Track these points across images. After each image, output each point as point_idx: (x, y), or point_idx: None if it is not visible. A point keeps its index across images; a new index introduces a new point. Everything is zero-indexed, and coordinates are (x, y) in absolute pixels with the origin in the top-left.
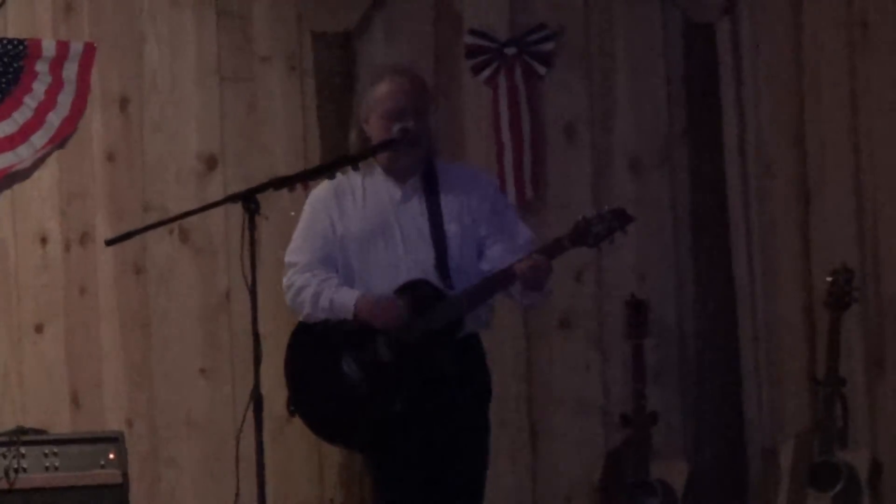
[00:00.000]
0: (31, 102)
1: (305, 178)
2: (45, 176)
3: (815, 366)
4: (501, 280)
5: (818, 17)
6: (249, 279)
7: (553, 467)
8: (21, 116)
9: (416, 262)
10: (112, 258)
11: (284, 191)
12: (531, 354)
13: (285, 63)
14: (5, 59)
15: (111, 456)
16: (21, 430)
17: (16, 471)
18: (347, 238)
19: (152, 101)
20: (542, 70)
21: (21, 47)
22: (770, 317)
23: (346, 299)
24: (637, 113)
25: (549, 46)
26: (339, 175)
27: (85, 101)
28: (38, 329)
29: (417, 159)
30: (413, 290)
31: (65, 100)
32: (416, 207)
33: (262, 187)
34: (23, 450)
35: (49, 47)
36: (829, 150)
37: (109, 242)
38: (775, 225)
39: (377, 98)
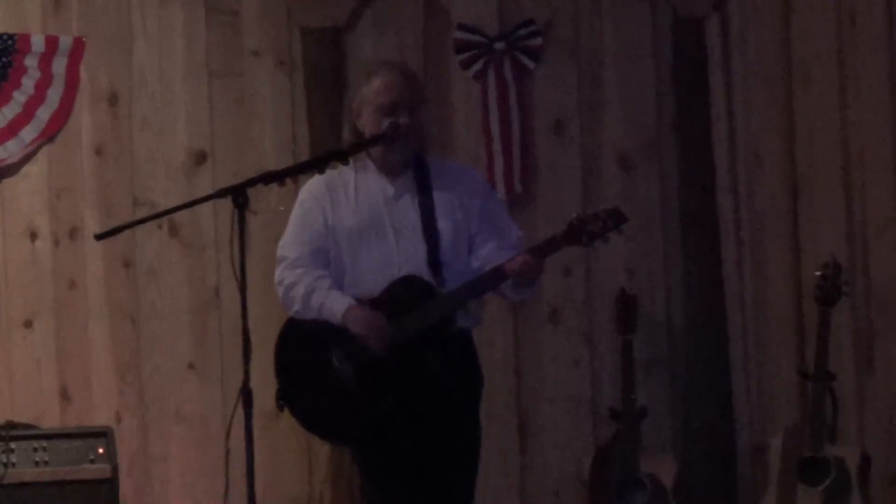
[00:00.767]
0: (20, 97)
1: (295, 172)
2: (34, 171)
3: (804, 360)
4: (492, 279)
5: (807, 12)
6: (239, 274)
7: (542, 462)
8: (10, 111)
9: (407, 257)
10: (101, 253)
11: (274, 186)
12: (520, 349)
13: (274, 58)
14: None
15: (100, 451)
16: (10, 425)
17: (5, 465)
18: (339, 232)
19: (141, 97)
20: (531, 65)
21: (10, 42)
22: (759, 311)
23: (335, 307)
24: (626, 108)
25: (537, 41)
26: (331, 170)
27: (74, 96)
28: (27, 324)
29: (409, 155)
30: (405, 287)
31: (54, 95)
32: (409, 203)
33: (252, 182)
34: (12, 445)
35: (38, 42)
36: (818, 144)
37: (99, 237)
38: (764, 219)
39: (369, 93)
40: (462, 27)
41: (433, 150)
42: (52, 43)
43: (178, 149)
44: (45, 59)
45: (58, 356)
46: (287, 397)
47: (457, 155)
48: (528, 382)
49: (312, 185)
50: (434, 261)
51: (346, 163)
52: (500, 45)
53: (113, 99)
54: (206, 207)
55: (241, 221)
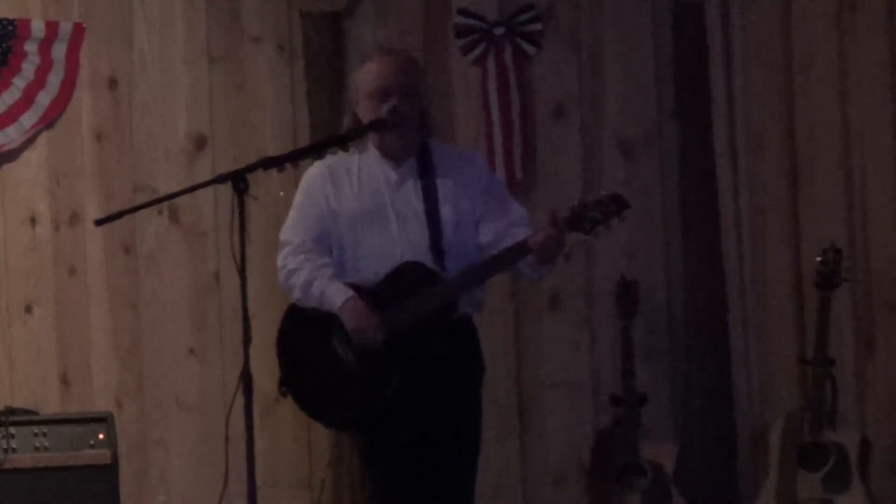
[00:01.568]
0: (19, 83)
1: (295, 158)
2: (34, 157)
3: (804, 346)
4: (516, 253)
5: None
6: (239, 260)
7: (542, 448)
8: (10, 97)
9: (410, 243)
10: (101, 239)
11: (274, 171)
12: (520, 335)
13: (274, 44)
14: None
15: (101, 436)
16: (10, 411)
17: (5, 451)
18: (341, 217)
19: (141, 82)
20: (531, 50)
21: (10, 28)
22: (759, 297)
23: (334, 298)
24: (626, 93)
25: (537, 27)
26: (332, 155)
27: (74, 81)
28: (28, 310)
29: (410, 140)
30: (407, 272)
31: (54, 80)
32: (412, 189)
33: (252, 167)
34: (12, 430)
35: (38, 28)
36: (818, 130)
37: (99, 223)
38: (764, 205)
39: (364, 78)
40: (462, 12)
41: (435, 136)
42: (52, 28)
43: (179, 134)
44: (45, 45)
45: (58, 342)
46: (289, 384)
47: (457, 140)
48: (528, 368)
49: (315, 170)
50: (437, 247)
51: (345, 149)
52: (500, 31)
53: (113, 84)
54: (206, 193)
55: (241, 207)
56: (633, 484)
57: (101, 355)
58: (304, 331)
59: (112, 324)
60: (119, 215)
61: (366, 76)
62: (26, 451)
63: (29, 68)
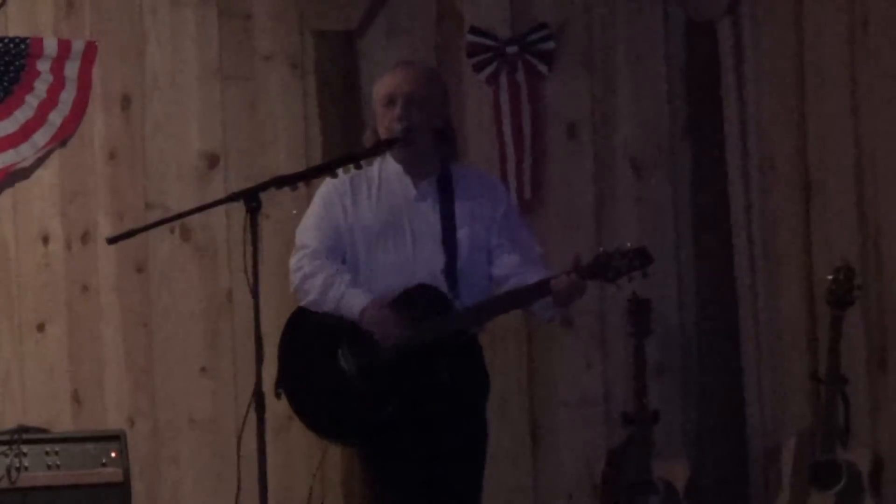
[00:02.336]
0: (32, 101)
1: (307, 176)
2: (47, 175)
3: (816, 364)
4: (535, 292)
5: (819, 15)
6: (251, 278)
7: (554, 466)
8: (22, 115)
9: (424, 264)
10: (113, 257)
11: (286, 189)
12: (533, 352)
13: (287, 62)
14: (7, 58)
15: (113, 454)
16: (23, 429)
17: (17, 469)
18: (357, 231)
19: (154, 100)
20: (543, 69)
21: (23, 46)
22: (772, 315)
23: (354, 303)
24: (639, 112)
25: (550, 45)
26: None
27: (86, 99)
28: (40, 328)
29: (430, 152)
30: (420, 295)
31: (66, 99)
32: (430, 209)
33: (264, 186)
34: (24, 448)
35: (50, 46)
36: (830, 147)
37: (111, 241)
38: (777, 223)
39: (376, 88)
40: (474, 31)
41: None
42: (64, 47)
43: (191, 152)
44: (58, 63)
45: (70, 360)
46: (286, 387)
47: (469, 159)
48: (540, 385)
49: (336, 180)
50: (451, 270)
51: (358, 167)
52: (512, 49)
53: (125, 102)
54: (218, 211)
55: (254, 225)
56: (645, 502)
57: (113, 373)
58: (309, 336)
59: (124, 342)
60: (131, 233)
61: (379, 86)
62: (39, 469)
63: (41, 87)
